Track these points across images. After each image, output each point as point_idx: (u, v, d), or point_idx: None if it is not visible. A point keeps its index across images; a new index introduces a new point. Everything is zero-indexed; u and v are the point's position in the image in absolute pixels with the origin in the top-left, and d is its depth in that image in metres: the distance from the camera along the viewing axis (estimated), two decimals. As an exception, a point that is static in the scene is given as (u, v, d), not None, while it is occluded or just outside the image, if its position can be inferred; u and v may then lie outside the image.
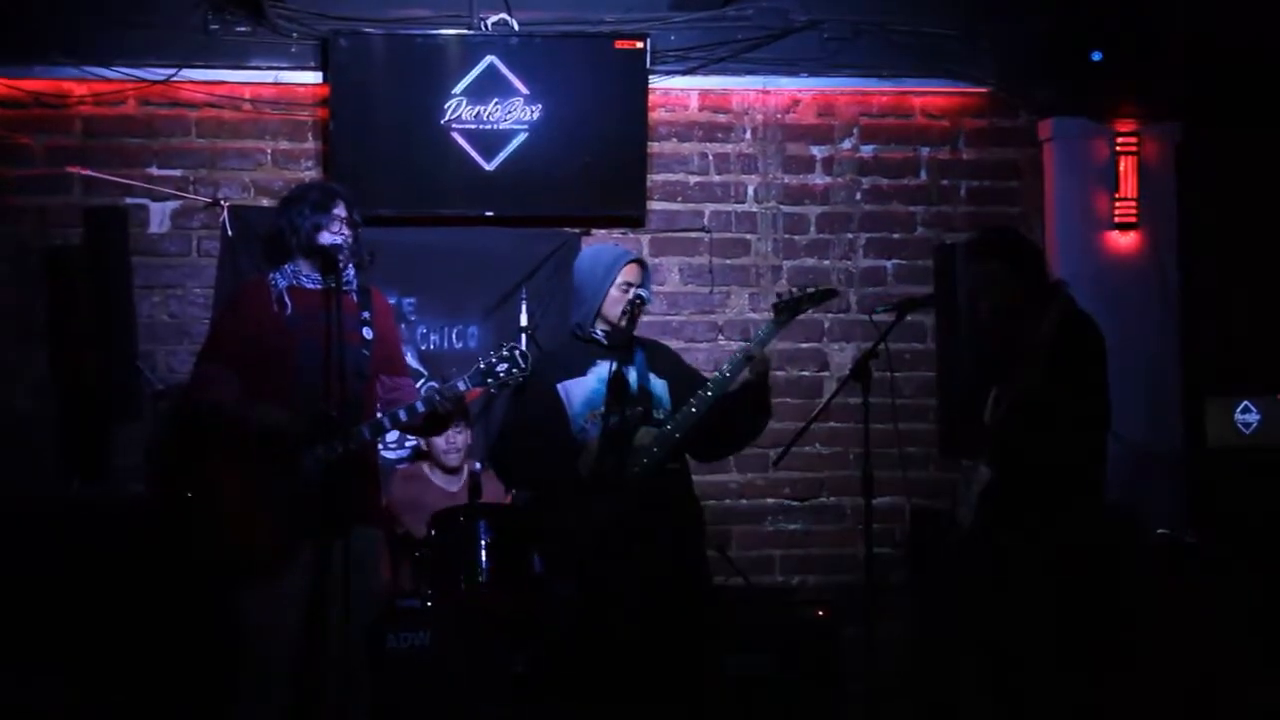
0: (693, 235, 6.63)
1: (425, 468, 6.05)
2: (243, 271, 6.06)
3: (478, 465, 5.74)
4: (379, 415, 4.78)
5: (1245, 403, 6.48)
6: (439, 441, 5.90)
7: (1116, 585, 5.54)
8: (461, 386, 4.79)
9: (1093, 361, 5.15)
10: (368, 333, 4.82)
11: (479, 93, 6.29)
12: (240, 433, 4.67)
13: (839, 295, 5.01)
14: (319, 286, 4.78)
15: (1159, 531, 6.20)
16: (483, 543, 5.25)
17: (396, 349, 5.14)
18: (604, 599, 4.81)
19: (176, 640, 5.65)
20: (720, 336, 6.65)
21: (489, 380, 4.83)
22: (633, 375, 4.93)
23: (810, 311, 5.14)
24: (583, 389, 4.97)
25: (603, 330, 5.01)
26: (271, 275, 4.86)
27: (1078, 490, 5.16)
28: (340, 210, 4.84)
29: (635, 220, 6.56)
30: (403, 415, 4.76)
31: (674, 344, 5.72)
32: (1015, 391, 5.11)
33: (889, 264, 6.75)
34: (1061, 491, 5.13)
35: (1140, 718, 5.87)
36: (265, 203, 6.28)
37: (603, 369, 4.87)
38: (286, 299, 4.78)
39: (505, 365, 4.81)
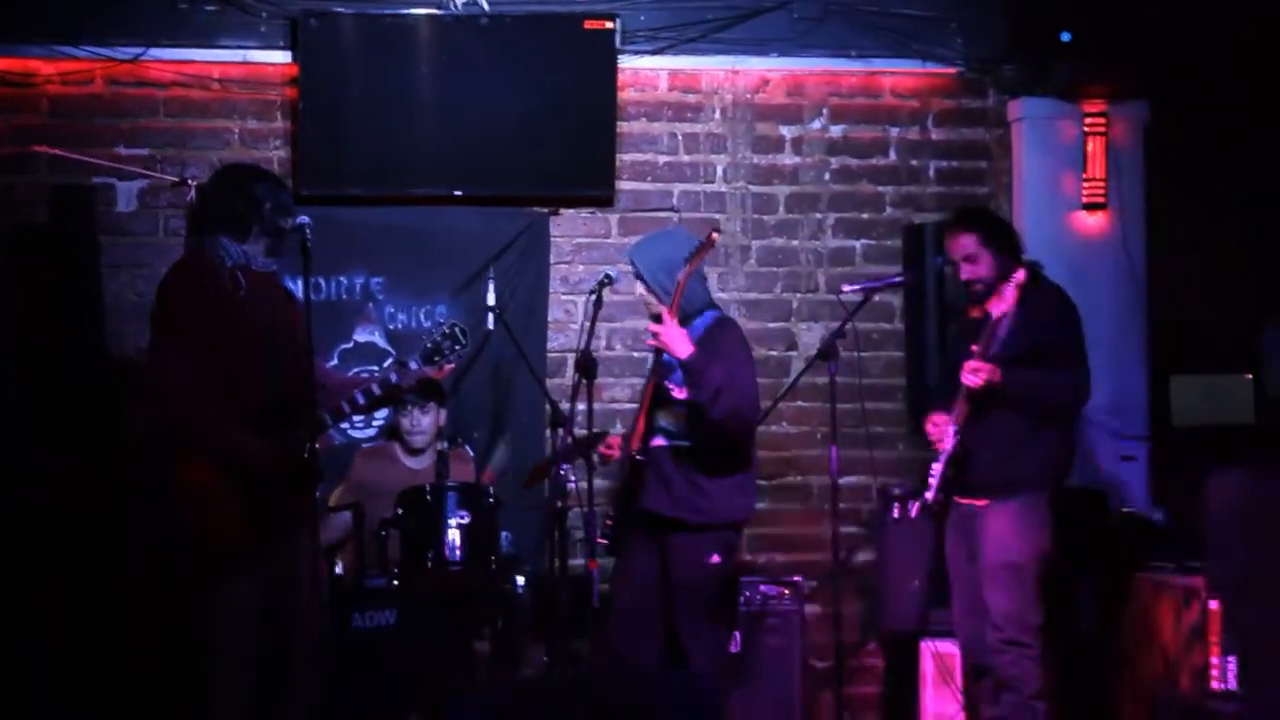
0: (661, 215, 6.63)
1: (396, 447, 6.04)
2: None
3: (444, 444, 5.76)
4: (340, 402, 4.79)
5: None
6: (404, 422, 5.92)
7: (1072, 558, 5.61)
8: (413, 366, 4.89)
9: (1055, 331, 5.21)
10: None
11: (448, 73, 6.28)
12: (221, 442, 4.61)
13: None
14: (265, 270, 4.71)
15: (1124, 510, 6.25)
16: (450, 521, 5.31)
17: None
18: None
19: (143, 628, 5.66)
20: (689, 316, 6.66)
21: (437, 359, 4.97)
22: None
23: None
24: None
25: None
26: (217, 253, 4.64)
27: (1039, 460, 5.21)
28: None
29: (604, 200, 6.56)
30: (360, 398, 4.83)
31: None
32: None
33: (858, 244, 6.76)
34: (1022, 462, 5.18)
35: (1105, 694, 5.94)
36: (233, 182, 6.27)
37: None
38: (240, 278, 4.63)
39: (449, 342, 4.98)
